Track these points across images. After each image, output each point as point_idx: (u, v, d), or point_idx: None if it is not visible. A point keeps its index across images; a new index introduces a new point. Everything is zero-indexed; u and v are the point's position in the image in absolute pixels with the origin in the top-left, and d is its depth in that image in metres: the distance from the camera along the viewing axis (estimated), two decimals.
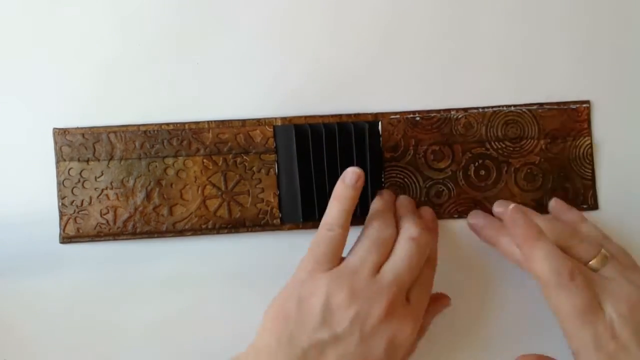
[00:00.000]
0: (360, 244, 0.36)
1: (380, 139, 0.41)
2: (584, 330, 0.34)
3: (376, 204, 0.39)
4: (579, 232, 0.38)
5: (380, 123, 0.41)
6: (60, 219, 0.40)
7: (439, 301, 0.40)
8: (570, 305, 0.34)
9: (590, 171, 0.42)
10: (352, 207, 0.36)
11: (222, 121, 0.41)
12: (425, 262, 0.37)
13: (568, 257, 0.36)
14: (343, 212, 0.36)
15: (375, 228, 0.37)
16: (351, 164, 0.40)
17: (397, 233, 0.37)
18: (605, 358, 0.34)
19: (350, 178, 0.36)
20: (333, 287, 0.34)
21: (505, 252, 0.38)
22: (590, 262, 0.36)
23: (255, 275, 0.41)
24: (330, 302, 0.33)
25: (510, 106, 0.42)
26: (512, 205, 0.37)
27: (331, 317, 0.33)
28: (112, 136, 0.40)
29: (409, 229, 0.36)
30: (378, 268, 0.35)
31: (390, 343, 0.34)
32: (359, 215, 0.39)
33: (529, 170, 0.42)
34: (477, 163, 0.41)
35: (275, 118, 0.41)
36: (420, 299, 0.36)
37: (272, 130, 0.41)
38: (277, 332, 0.34)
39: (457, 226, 0.42)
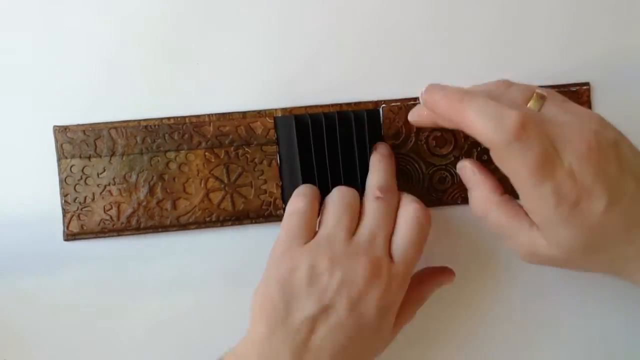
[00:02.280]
0: (328, 213, 0.36)
1: (382, 126, 0.41)
2: (544, 185, 0.29)
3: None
4: (505, 82, 0.35)
5: (381, 111, 0.41)
6: (64, 216, 0.40)
7: (442, 273, 0.39)
8: (528, 160, 0.29)
9: None
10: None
11: (223, 114, 0.40)
12: (409, 219, 0.36)
13: (510, 105, 0.30)
14: (307, 186, 0.38)
15: (337, 194, 0.37)
16: (352, 153, 0.40)
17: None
18: (566, 212, 0.29)
19: None
20: (313, 258, 0.33)
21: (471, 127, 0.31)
22: (527, 106, 0.32)
23: (261, 267, 0.41)
24: (313, 274, 0.33)
25: None
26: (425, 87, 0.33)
27: (317, 289, 0.33)
28: (113, 132, 0.40)
29: (372, 189, 0.37)
30: (353, 232, 0.35)
31: (380, 304, 0.33)
32: None
33: None
34: (479, 147, 0.41)
35: (276, 109, 0.41)
36: (405, 255, 0.35)
37: (272, 121, 0.41)
38: (267, 318, 0.33)
39: (461, 212, 0.42)
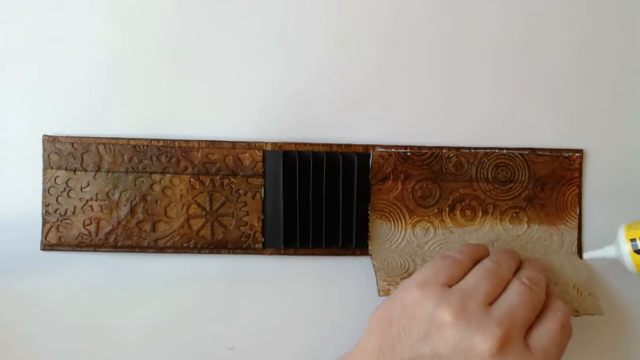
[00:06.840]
0: (474, 274, 0.34)
1: (370, 170, 0.41)
2: None
3: (500, 251, 0.38)
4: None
5: (371, 155, 0.41)
6: (43, 226, 0.40)
7: None
8: None
9: (576, 220, 0.42)
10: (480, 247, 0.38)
11: (213, 141, 0.40)
12: (557, 321, 0.34)
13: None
14: (472, 245, 0.37)
15: (494, 261, 0.35)
16: (337, 194, 0.40)
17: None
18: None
19: None
20: (441, 302, 0.32)
21: None
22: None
23: (234, 297, 0.41)
24: (435, 316, 0.32)
25: (502, 149, 0.41)
26: None
27: (434, 333, 0.32)
28: (101, 148, 0.40)
29: (525, 272, 0.35)
30: (490, 301, 0.33)
31: None
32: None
33: (514, 214, 0.41)
34: (463, 203, 0.41)
35: (266, 142, 0.41)
36: (546, 351, 0.32)
37: (261, 154, 0.40)
38: (381, 336, 0.34)
39: None
